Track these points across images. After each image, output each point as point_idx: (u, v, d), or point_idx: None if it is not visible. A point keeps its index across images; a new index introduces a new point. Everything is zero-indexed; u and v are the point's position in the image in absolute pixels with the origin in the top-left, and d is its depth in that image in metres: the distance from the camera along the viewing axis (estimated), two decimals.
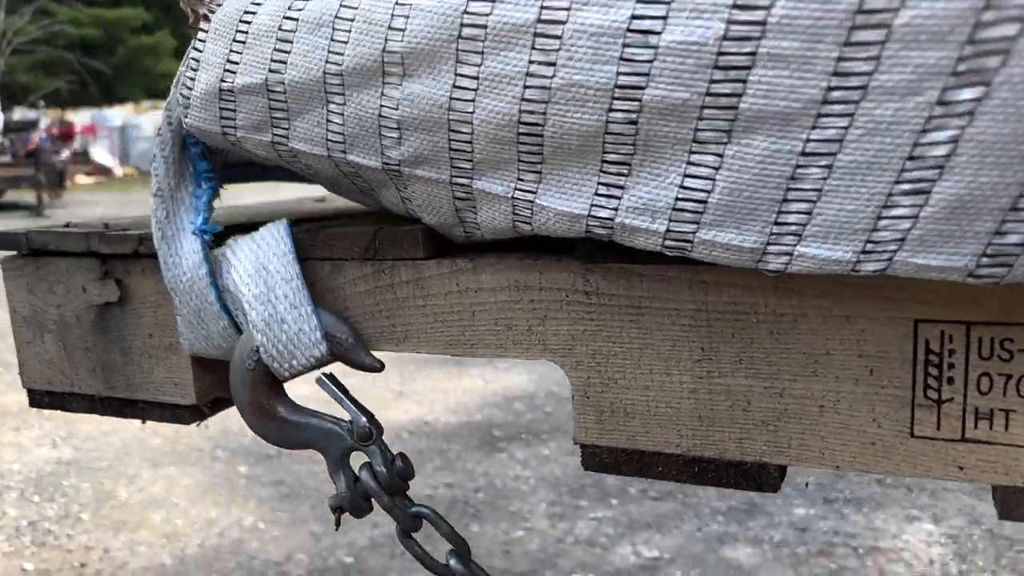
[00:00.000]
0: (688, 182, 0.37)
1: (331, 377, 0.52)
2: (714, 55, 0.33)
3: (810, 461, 0.43)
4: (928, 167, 0.32)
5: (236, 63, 0.49)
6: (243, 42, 0.49)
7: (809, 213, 0.35)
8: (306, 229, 0.53)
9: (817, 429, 0.42)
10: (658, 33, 0.34)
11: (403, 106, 0.43)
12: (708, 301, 0.43)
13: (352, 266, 0.52)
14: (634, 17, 0.34)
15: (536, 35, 0.37)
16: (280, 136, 0.50)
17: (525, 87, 0.38)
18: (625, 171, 0.39)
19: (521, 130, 0.40)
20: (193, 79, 0.52)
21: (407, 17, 0.41)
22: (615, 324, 0.46)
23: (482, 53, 0.39)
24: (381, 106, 0.44)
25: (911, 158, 0.32)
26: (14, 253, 0.63)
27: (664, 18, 0.34)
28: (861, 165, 0.33)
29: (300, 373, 0.52)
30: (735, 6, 0.32)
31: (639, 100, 0.36)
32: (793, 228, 0.36)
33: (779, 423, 0.43)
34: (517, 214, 0.44)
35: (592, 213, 0.41)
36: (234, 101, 0.50)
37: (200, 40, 0.51)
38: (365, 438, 0.51)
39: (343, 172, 0.50)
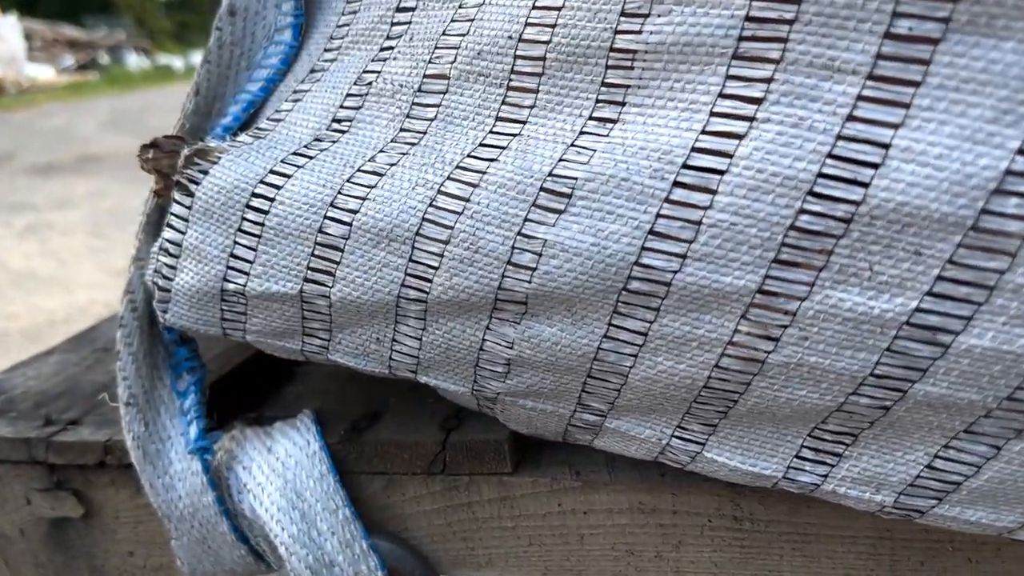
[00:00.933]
0: (940, 464, 0.29)
1: None
2: None
3: None
4: None
5: (248, 261, 0.36)
6: (256, 235, 0.36)
7: None
8: (344, 437, 0.42)
9: None
10: (954, 332, 0.25)
11: (520, 346, 0.32)
12: (894, 529, 0.36)
13: (414, 482, 0.41)
14: (919, 311, 0.25)
15: (752, 305, 0.27)
16: (316, 347, 0.38)
17: (723, 355, 0.29)
18: (848, 441, 0.30)
19: (704, 394, 0.31)
20: (173, 268, 0.38)
21: (538, 255, 0.30)
22: (773, 552, 0.38)
23: (658, 311, 0.29)
24: (484, 340, 0.33)
25: None
26: None
27: (968, 319, 0.25)
28: None
29: None
30: None
31: (902, 391, 0.27)
32: None
33: None
34: (665, 455, 0.35)
35: (788, 475, 0.32)
36: (245, 304, 0.37)
37: (178, 217, 0.38)
38: None
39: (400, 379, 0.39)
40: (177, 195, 0.38)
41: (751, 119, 0.26)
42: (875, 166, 0.24)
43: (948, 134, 0.23)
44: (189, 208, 0.37)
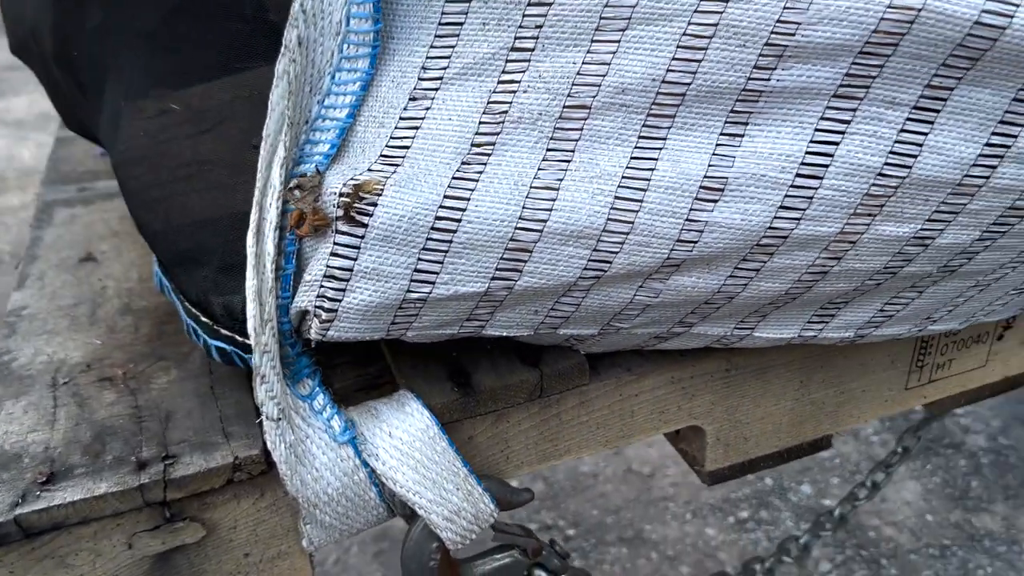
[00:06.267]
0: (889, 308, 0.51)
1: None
2: None
3: (853, 422, 0.64)
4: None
5: (434, 273, 0.43)
6: (444, 251, 0.43)
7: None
8: (460, 392, 0.51)
9: (856, 403, 0.63)
10: None
11: (664, 295, 0.46)
12: (808, 348, 0.59)
13: (517, 410, 0.52)
14: None
15: (831, 243, 0.45)
16: (473, 327, 0.47)
17: (804, 274, 0.46)
18: (842, 304, 0.50)
19: (780, 299, 0.48)
20: (342, 290, 0.43)
21: (700, 232, 0.43)
22: (746, 385, 0.58)
23: (772, 254, 0.45)
24: (635, 295, 0.46)
25: None
26: None
27: None
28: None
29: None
30: None
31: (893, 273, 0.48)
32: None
33: (839, 408, 0.63)
34: (720, 342, 0.52)
35: (801, 334, 0.52)
36: (421, 308, 0.44)
37: (345, 246, 0.42)
38: (538, 551, 0.56)
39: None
40: (345, 227, 0.42)
41: (842, 132, 0.43)
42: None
43: None
44: (362, 237, 0.42)
